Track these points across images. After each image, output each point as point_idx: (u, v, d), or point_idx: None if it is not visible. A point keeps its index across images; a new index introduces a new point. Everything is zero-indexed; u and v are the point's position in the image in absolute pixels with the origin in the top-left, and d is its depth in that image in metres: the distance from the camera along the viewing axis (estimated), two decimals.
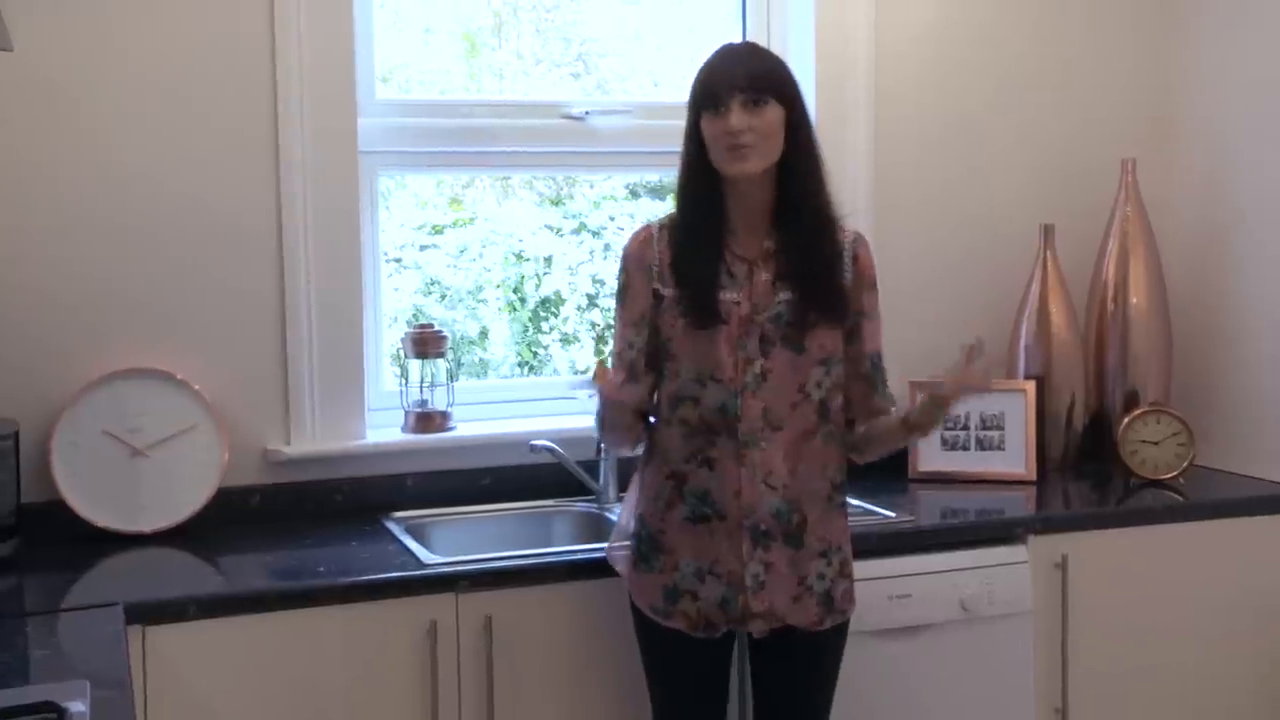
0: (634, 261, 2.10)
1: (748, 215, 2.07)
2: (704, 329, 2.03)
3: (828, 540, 2.11)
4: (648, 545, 2.11)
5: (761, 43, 2.99)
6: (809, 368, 2.06)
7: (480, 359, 3.04)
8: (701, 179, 2.05)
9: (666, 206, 3.08)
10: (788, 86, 2.03)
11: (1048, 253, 2.99)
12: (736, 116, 1.97)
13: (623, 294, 2.12)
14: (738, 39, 3.00)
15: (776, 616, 2.07)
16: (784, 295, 2.05)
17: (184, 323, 2.53)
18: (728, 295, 2.05)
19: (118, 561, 2.33)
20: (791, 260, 2.05)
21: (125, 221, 2.48)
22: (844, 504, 2.16)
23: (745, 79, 1.99)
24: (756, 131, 1.99)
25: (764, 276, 2.06)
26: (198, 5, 2.50)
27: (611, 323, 2.21)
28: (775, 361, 2.05)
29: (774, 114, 2.00)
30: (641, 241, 2.11)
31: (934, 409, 2.07)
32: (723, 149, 1.99)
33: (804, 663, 2.14)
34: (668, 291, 2.07)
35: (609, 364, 2.15)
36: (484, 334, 3.04)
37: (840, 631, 2.16)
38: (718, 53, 2.07)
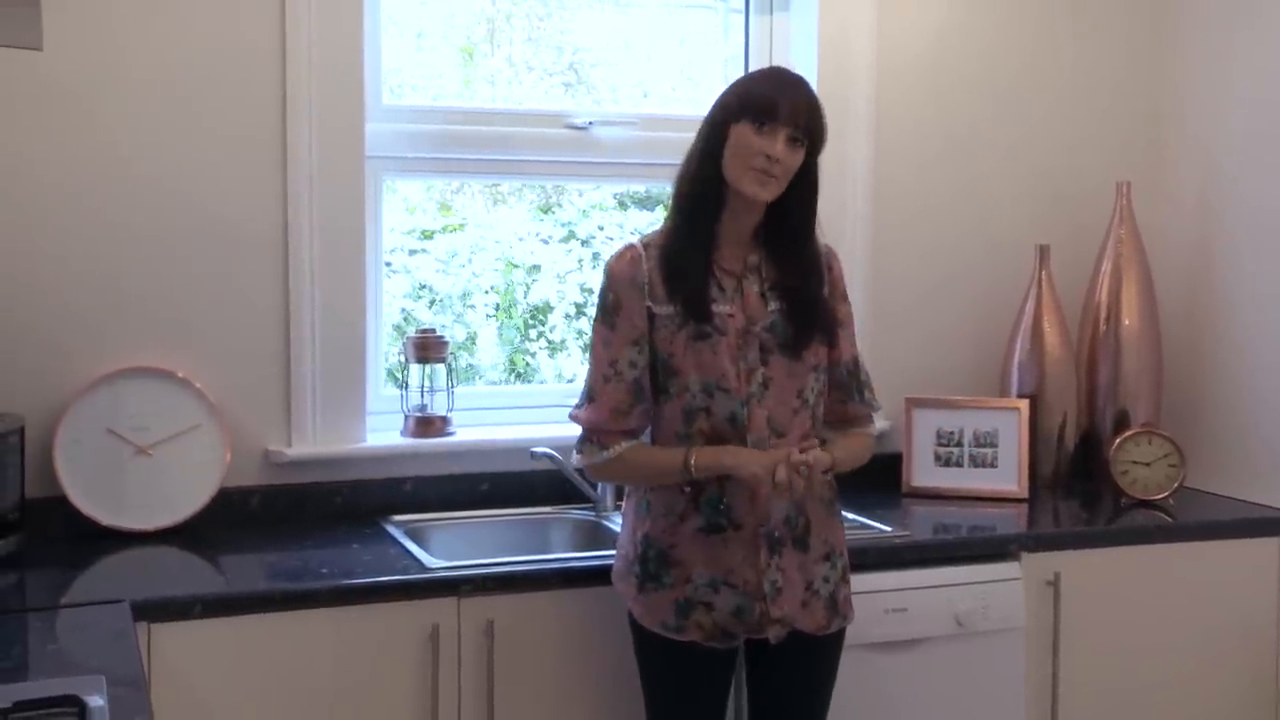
0: (625, 281, 2.06)
1: (737, 230, 2.09)
2: (704, 340, 2.05)
3: (830, 544, 2.14)
4: (656, 563, 2.09)
5: (763, 59, 3.03)
6: (805, 375, 2.11)
7: (468, 365, 3.05)
8: (710, 183, 2.05)
9: (654, 216, 3.11)
10: (820, 138, 2.07)
11: (1042, 272, 3.02)
12: (781, 147, 1.99)
13: (613, 314, 2.07)
14: (732, 53, 3.05)
15: (789, 622, 2.09)
16: (774, 306, 2.09)
17: (188, 323, 2.54)
18: (720, 308, 2.07)
19: (119, 559, 2.33)
20: (779, 274, 2.10)
21: (132, 222, 2.49)
22: (840, 509, 2.20)
23: (806, 118, 2.02)
24: (786, 167, 2.02)
25: (754, 289, 2.09)
26: (208, 8, 2.51)
27: (588, 343, 2.12)
28: (774, 370, 2.08)
29: (799, 156, 2.04)
30: (630, 261, 2.07)
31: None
32: (751, 168, 2.00)
33: (809, 668, 2.16)
34: (662, 309, 2.06)
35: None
36: (472, 339, 3.06)
37: (840, 638, 2.18)
38: (775, 75, 2.09)
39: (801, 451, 2.02)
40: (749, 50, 3.05)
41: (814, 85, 2.84)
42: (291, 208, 2.58)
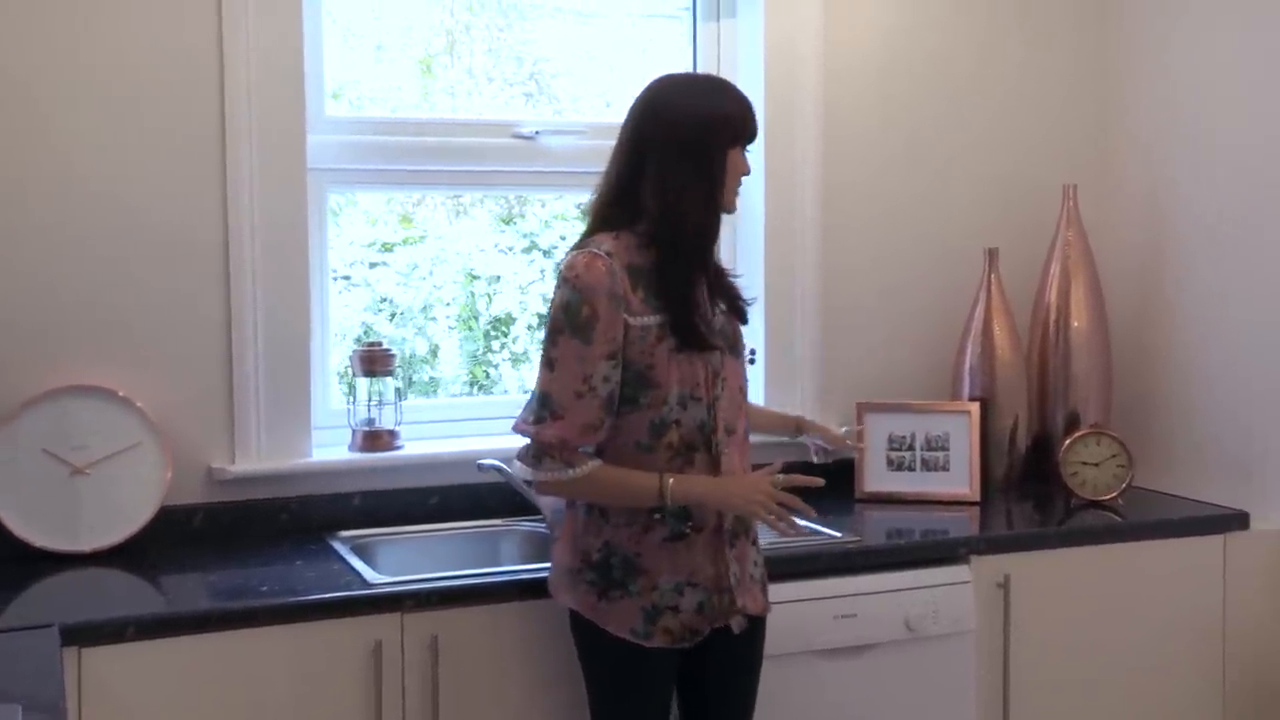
0: (603, 293, 1.99)
1: None
2: (696, 350, 2.05)
3: (755, 530, 2.19)
4: (622, 570, 2.07)
5: (711, 65, 3.03)
6: (742, 370, 2.19)
7: (430, 377, 3.03)
8: (715, 209, 2.07)
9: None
10: None
11: (992, 276, 3.03)
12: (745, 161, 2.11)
13: (589, 327, 1.99)
14: (687, 62, 3.04)
15: (745, 609, 2.14)
16: (719, 305, 2.15)
17: (127, 339, 2.50)
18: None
19: (55, 582, 2.29)
20: (714, 275, 2.16)
21: (67, 235, 2.46)
22: None
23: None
24: None
25: (704, 293, 2.12)
26: (145, 16, 2.48)
27: (553, 356, 2.03)
28: (727, 371, 2.12)
29: None
30: (604, 272, 2.00)
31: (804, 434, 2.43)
32: (737, 188, 2.10)
33: (750, 650, 2.19)
34: (639, 320, 2.02)
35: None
36: (434, 352, 3.03)
37: (764, 622, 2.22)
38: (736, 93, 2.10)
39: (772, 473, 2.09)
40: (696, 57, 3.04)
41: (761, 92, 2.93)
42: (233, 220, 2.55)
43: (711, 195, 2.05)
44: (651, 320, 2.03)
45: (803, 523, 2.52)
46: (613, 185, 2.09)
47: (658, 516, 2.06)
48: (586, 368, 2.00)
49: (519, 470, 2.15)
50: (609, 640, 2.09)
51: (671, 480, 2.02)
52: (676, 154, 2.03)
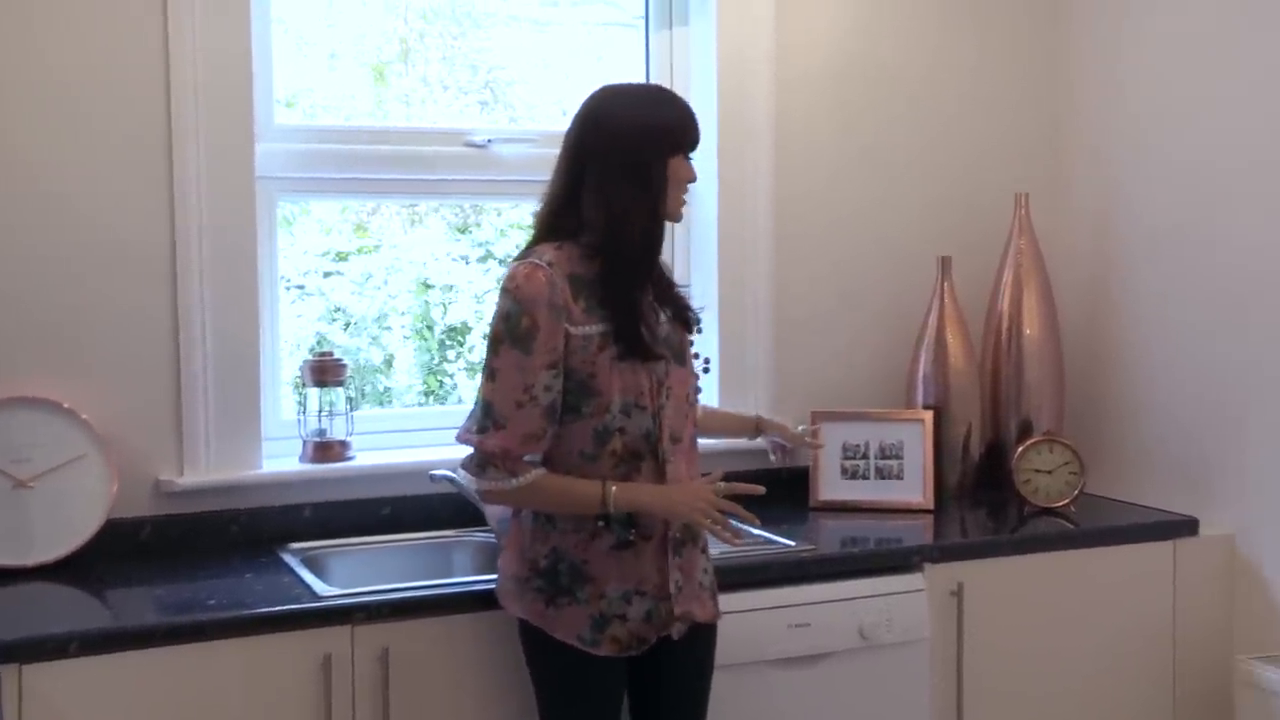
0: (542, 304, 2.00)
1: None
2: (640, 360, 2.06)
3: (703, 537, 2.18)
4: (569, 576, 2.08)
5: (664, 74, 3.03)
6: (689, 379, 2.19)
7: (385, 388, 3.01)
8: (659, 219, 2.08)
9: None
10: None
11: (945, 284, 3.04)
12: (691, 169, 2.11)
13: (529, 338, 2.00)
14: (640, 72, 3.04)
15: (689, 617, 2.13)
16: (664, 315, 2.15)
17: (71, 349, 2.46)
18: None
19: None
20: (658, 284, 2.15)
21: (8, 242, 2.42)
22: None
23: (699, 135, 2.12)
24: None
25: (649, 301, 2.12)
26: (90, 19, 2.45)
27: (495, 366, 2.03)
28: (673, 380, 2.13)
29: None
30: (545, 282, 2.01)
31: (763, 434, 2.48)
32: (682, 196, 2.10)
33: (701, 657, 2.19)
34: (580, 330, 2.03)
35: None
36: (389, 362, 3.01)
37: (715, 629, 2.22)
38: (678, 101, 2.12)
39: (713, 480, 2.10)
40: (649, 64, 3.04)
41: (713, 101, 2.93)
42: (180, 228, 2.52)
43: (653, 205, 2.06)
44: (593, 329, 2.04)
45: (756, 532, 2.55)
46: (556, 196, 2.10)
47: (602, 524, 2.06)
48: (527, 377, 2.00)
49: (464, 479, 2.14)
50: (556, 647, 2.09)
51: (614, 488, 2.03)
52: (618, 165, 2.04)
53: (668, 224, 2.11)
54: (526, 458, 2.05)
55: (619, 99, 2.10)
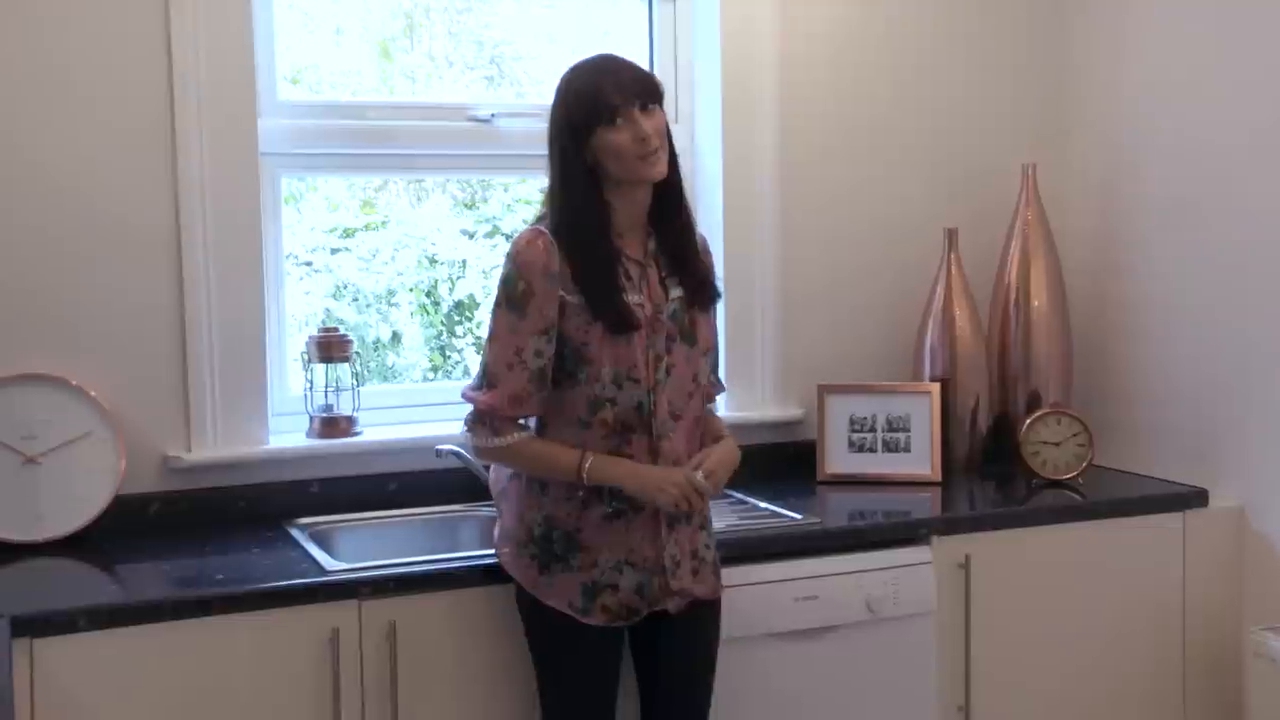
0: (537, 269, 2.04)
1: (633, 219, 2.11)
2: (621, 333, 2.06)
3: (704, 514, 2.19)
4: (562, 544, 2.10)
5: (668, 47, 3.01)
6: (698, 359, 2.16)
7: (393, 364, 3.01)
8: (589, 194, 2.06)
9: None
10: (660, 85, 2.09)
11: (951, 256, 3.03)
12: (645, 123, 2.02)
13: (523, 302, 2.05)
14: (644, 46, 3.02)
15: (687, 593, 2.14)
16: (675, 292, 2.13)
17: (78, 326, 2.47)
18: (632, 298, 2.09)
19: (6, 572, 2.26)
20: (673, 258, 2.13)
21: (14, 223, 2.42)
22: None
23: (638, 86, 2.04)
24: (659, 134, 2.05)
25: (656, 275, 2.12)
26: (91, 1, 2.44)
27: (492, 328, 2.09)
28: (676, 356, 2.12)
29: (663, 117, 2.08)
30: (543, 250, 2.05)
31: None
32: (635, 157, 2.03)
33: (704, 632, 2.19)
34: (575, 298, 2.06)
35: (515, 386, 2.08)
36: (396, 338, 3.01)
37: (720, 602, 2.23)
38: (593, 68, 2.08)
39: (696, 467, 2.10)
40: (653, 38, 3.02)
41: (717, 73, 2.91)
42: (183, 205, 2.52)
43: (586, 181, 2.05)
44: (580, 299, 2.06)
45: (763, 505, 2.55)
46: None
47: (580, 494, 2.09)
48: (519, 340, 2.06)
49: (466, 436, 2.18)
50: (549, 614, 2.12)
51: (591, 460, 2.06)
52: (554, 144, 2.08)
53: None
54: (520, 420, 2.09)
55: (563, 78, 2.10)
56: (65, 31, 2.43)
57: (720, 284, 2.23)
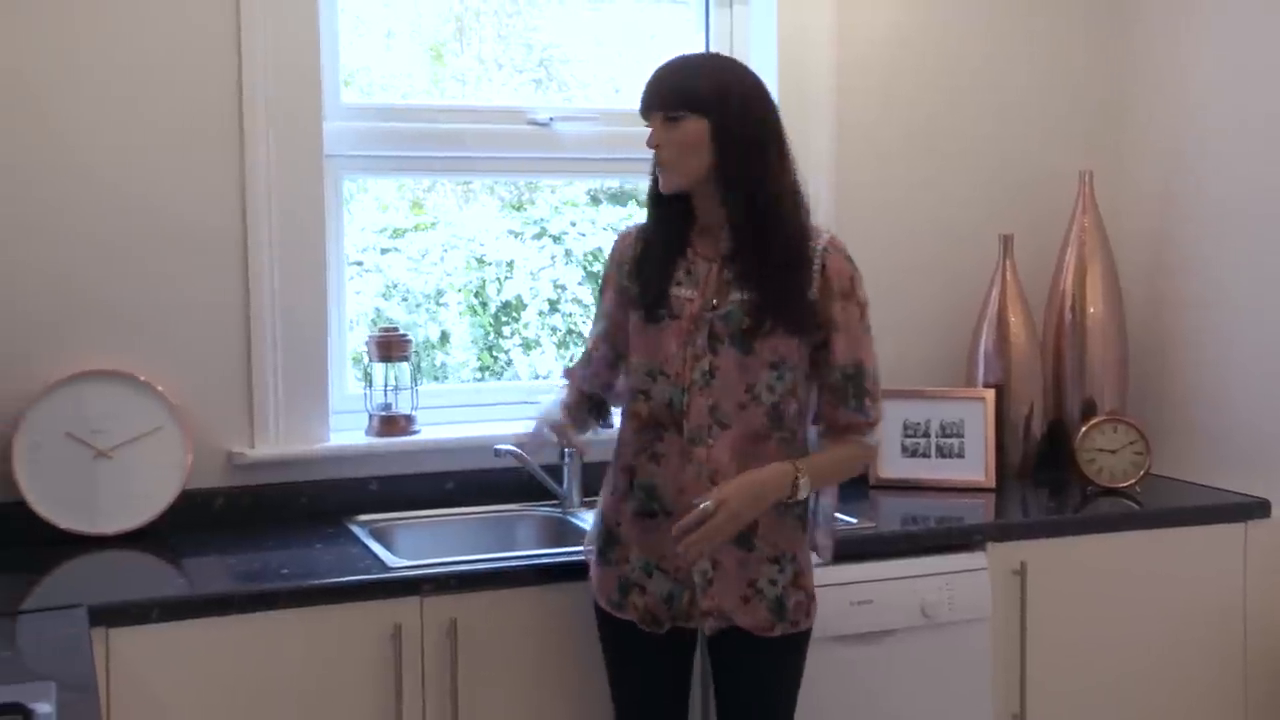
0: (614, 259, 2.21)
1: (706, 219, 2.10)
2: (653, 323, 2.08)
3: (779, 547, 2.07)
4: (605, 539, 2.14)
5: (725, 51, 3.02)
6: (758, 370, 2.03)
7: (441, 363, 3.04)
8: (655, 192, 2.13)
9: (627, 212, 3.11)
10: (704, 99, 1.99)
11: (1007, 262, 3.03)
12: (655, 133, 2.04)
13: (601, 286, 2.25)
14: (699, 47, 3.04)
15: (725, 616, 2.06)
16: (738, 295, 2.03)
17: (148, 325, 2.51)
18: (683, 291, 2.08)
19: (80, 564, 2.31)
20: (747, 264, 2.03)
21: (88, 224, 2.47)
22: (801, 514, 2.11)
23: (657, 97, 2.04)
24: (671, 147, 2.02)
25: (724, 276, 2.06)
26: (164, 7, 2.49)
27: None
28: (723, 360, 2.03)
29: (692, 128, 2.00)
30: (623, 240, 2.21)
31: None
32: (653, 164, 2.08)
33: (757, 668, 2.11)
34: (632, 285, 2.14)
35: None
36: (444, 338, 3.04)
37: (795, 644, 2.12)
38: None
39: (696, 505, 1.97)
40: (709, 44, 3.04)
41: (774, 78, 2.92)
42: (250, 207, 2.56)
43: (652, 174, 2.11)
44: (634, 286, 2.13)
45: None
46: None
47: (619, 488, 2.13)
48: (593, 318, 2.30)
49: None
50: (598, 607, 2.17)
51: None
52: None
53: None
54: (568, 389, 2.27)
55: None
56: (140, 36, 2.48)
57: (853, 302, 2.09)
